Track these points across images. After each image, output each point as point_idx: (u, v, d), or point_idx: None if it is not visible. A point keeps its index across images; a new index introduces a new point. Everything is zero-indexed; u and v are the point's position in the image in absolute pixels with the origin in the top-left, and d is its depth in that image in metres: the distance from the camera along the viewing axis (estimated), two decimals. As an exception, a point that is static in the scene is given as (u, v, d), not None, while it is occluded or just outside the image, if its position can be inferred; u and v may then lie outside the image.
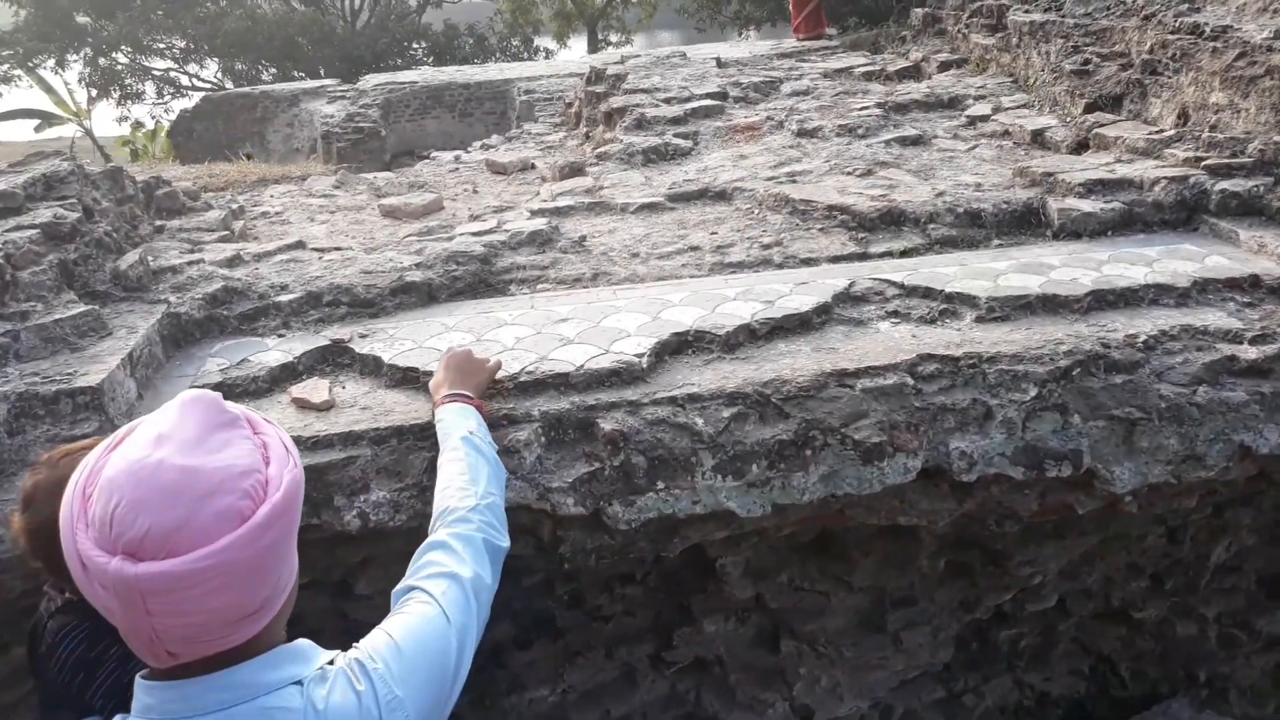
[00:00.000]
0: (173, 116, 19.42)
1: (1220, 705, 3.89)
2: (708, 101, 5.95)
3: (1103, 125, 4.53)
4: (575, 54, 27.78)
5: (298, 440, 2.57)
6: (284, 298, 3.26)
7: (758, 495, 2.66)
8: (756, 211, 4.13)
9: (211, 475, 1.19)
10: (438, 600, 1.63)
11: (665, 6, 30.06)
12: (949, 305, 3.16)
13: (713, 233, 3.92)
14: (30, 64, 23.12)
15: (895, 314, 3.14)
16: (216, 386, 2.83)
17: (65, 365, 2.66)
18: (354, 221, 4.54)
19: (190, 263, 3.45)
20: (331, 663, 1.39)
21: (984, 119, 5.21)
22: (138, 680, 1.28)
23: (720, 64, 7.72)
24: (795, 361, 2.87)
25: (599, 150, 5.40)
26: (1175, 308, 3.08)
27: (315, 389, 2.77)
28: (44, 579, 2.07)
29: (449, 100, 14.54)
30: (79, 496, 1.20)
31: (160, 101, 25.19)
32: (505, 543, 1.93)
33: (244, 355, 3.00)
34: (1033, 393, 2.77)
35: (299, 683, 1.31)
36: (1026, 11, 6.02)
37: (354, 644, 1.50)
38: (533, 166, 5.76)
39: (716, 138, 5.39)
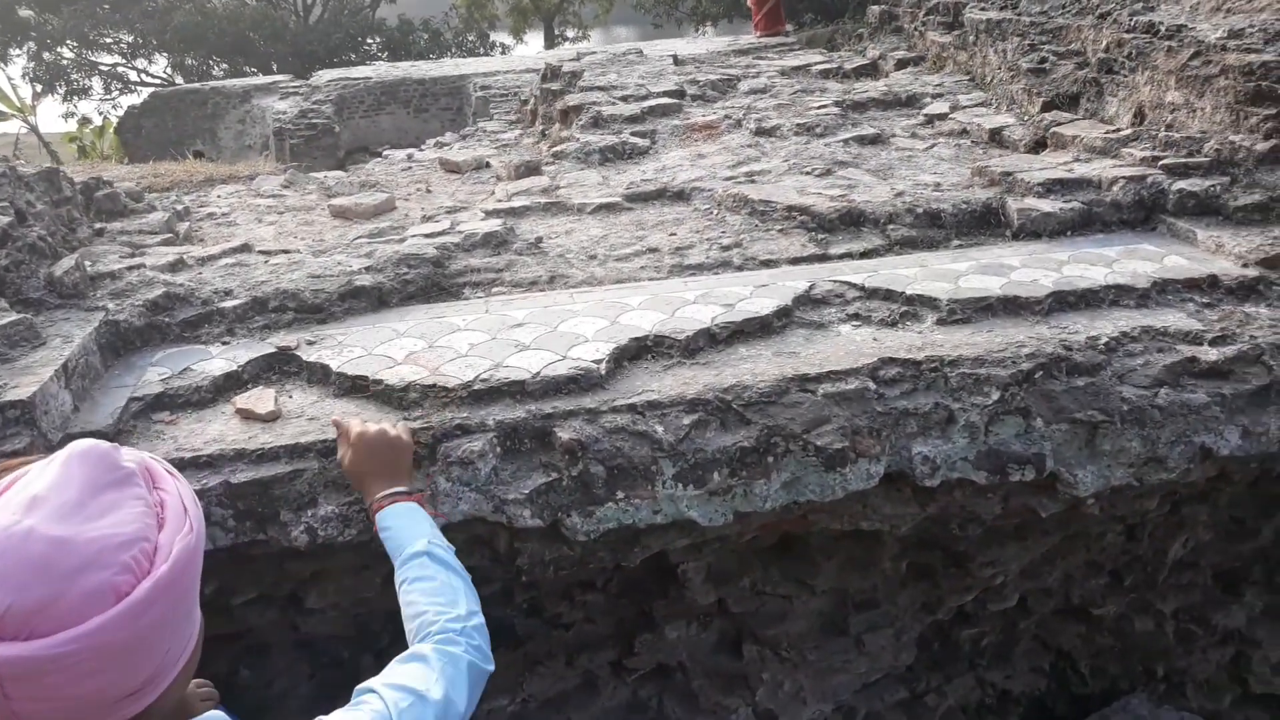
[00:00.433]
0: (121, 113, 18.99)
1: (1178, 699, 3.92)
2: (665, 100, 5.89)
3: (1060, 124, 4.53)
4: (532, 49, 27.59)
5: (242, 454, 2.48)
6: (228, 303, 3.15)
7: (719, 504, 2.61)
8: (715, 212, 4.08)
9: (85, 547, 1.07)
10: (391, 714, 1.52)
11: (622, 2, 29.96)
12: (910, 308, 3.13)
13: (671, 234, 3.86)
14: (-29, 58, 22.53)
15: (856, 317, 3.11)
16: (158, 397, 2.72)
17: (-6, 377, 2.53)
18: (303, 222, 4.43)
19: (130, 267, 3.33)
20: None
21: (942, 117, 5.20)
22: None
23: (677, 61, 7.66)
24: (756, 366, 2.82)
25: (555, 149, 5.32)
26: (1135, 309, 3.08)
27: (260, 399, 2.68)
28: None
29: (404, 96, 14.35)
30: None
31: (108, 97, 24.64)
32: (491, 666, 1.80)
33: (186, 364, 2.89)
34: (995, 396, 2.75)
35: None
36: (983, 9, 6.03)
37: None
38: (487, 165, 5.67)
39: (674, 137, 5.33)
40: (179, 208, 4.59)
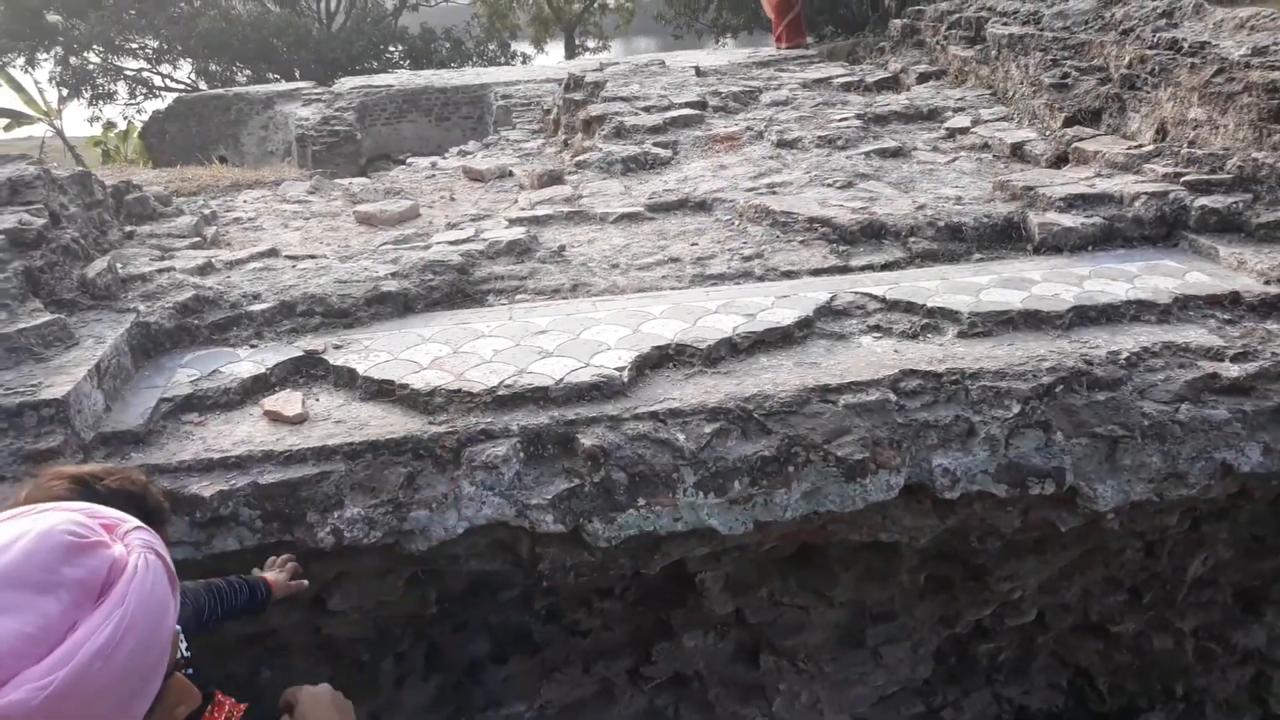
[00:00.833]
0: (145, 117, 19.17)
1: (1197, 719, 3.89)
2: (687, 111, 5.93)
3: (1082, 139, 4.54)
4: (553, 59, 27.71)
5: (270, 455, 2.51)
6: (256, 307, 3.19)
7: (739, 512, 2.63)
8: (737, 223, 4.11)
9: None
10: None
11: (642, 13, 30.08)
12: (931, 320, 3.14)
13: (693, 244, 3.88)
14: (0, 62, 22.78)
15: (877, 328, 3.12)
16: (187, 398, 2.76)
17: (30, 376, 2.58)
18: (329, 228, 4.48)
19: (160, 270, 3.38)
20: None
21: (963, 131, 5.21)
22: None
23: (699, 73, 7.70)
24: (777, 376, 2.84)
25: (578, 158, 5.36)
26: (1157, 324, 3.08)
27: (288, 402, 2.71)
28: None
29: (425, 104, 14.43)
30: None
31: (133, 102, 24.86)
32: None
33: (215, 366, 2.93)
34: (1016, 409, 2.76)
35: None
36: (1005, 24, 6.04)
37: None
38: (511, 174, 5.71)
39: (696, 147, 5.36)
40: (206, 212, 4.65)
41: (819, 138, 5.22)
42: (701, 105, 6.15)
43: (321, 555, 2.58)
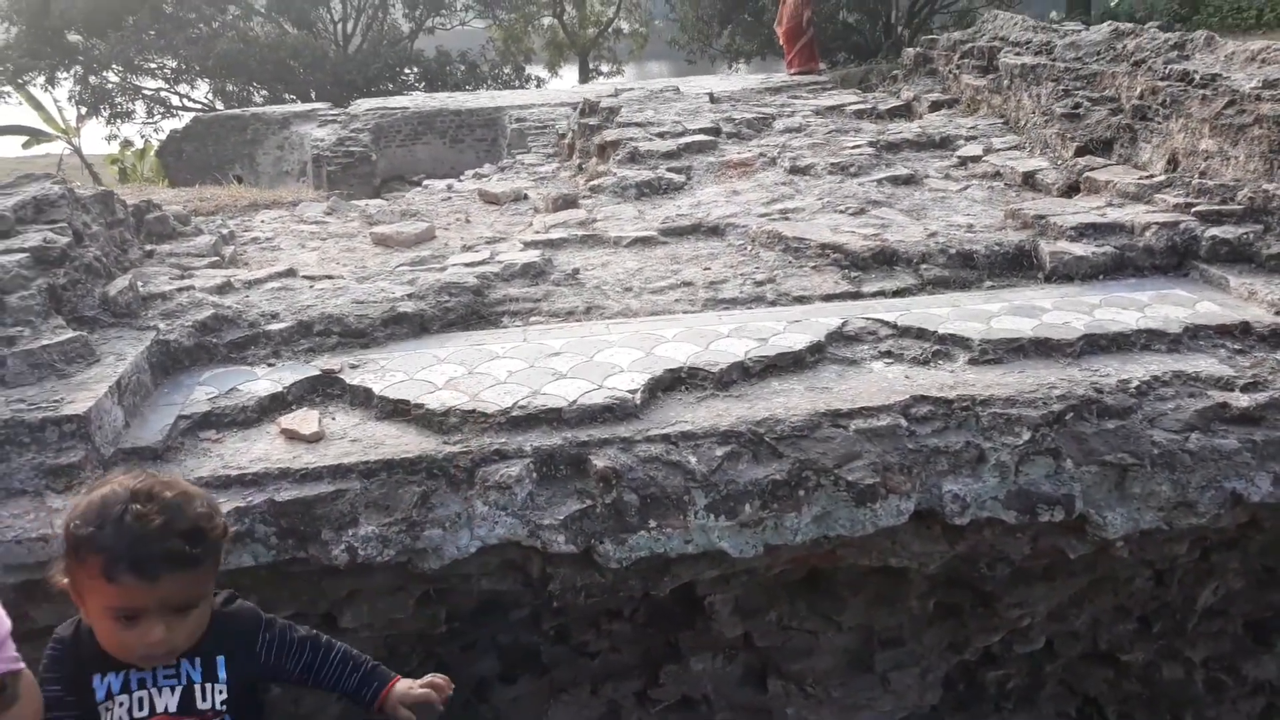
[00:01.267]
0: (162, 136, 19.36)
1: (1207, 750, 3.87)
2: (701, 136, 5.99)
3: (1094, 169, 4.57)
4: (566, 83, 27.93)
5: (286, 473, 2.54)
6: (274, 326, 3.24)
7: (750, 535, 2.64)
8: (749, 248, 4.14)
9: None
10: None
11: (656, 39, 30.32)
12: (942, 346, 3.16)
13: (706, 268, 3.92)
14: (20, 81, 23.05)
15: (888, 354, 3.15)
16: (205, 415, 2.80)
17: (52, 392, 2.62)
18: (345, 249, 4.53)
19: (180, 289, 3.42)
20: None
21: (975, 159, 5.25)
22: None
23: (713, 99, 7.77)
24: (789, 400, 2.86)
25: (592, 183, 5.42)
26: (1167, 353, 3.10)
27: (305, 420, 2.75)
28: None
29: (440, 126, 14.55)
30: None
31: (150, 121, 25.14)
32: None
33: (233, 384, 2.97)
34: (1026, 436, 2.77)
35: None
36: (1018, 54, 6.09)
37: None
38: (525, 197, 5.77)
39: (709, 173, 5.41)
40: (225, 231, 4.71)
41: (832, 164, 5.26)
42: (715, 131, 6.21)
43: (334, 573, 2.60)
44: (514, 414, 2.74)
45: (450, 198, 6.19)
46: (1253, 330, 3.17)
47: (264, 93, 23.95)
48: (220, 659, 1.69)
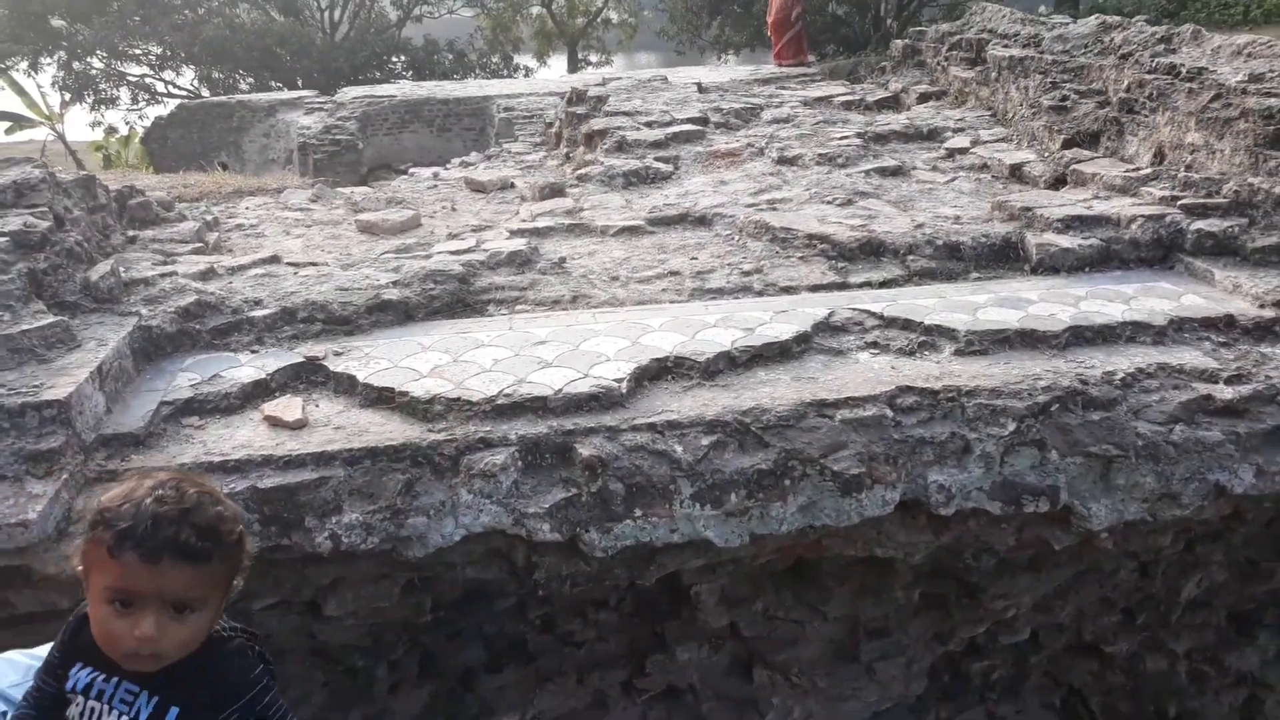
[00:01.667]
0: (147, 123, 19.20)
1: (1188, 741, 3.89)
2: (689, 126, 5.97)
3: (1081, 161, 4.58)
4: (555, 73, 27.83)
5: (269, 460, 2.53)
6: (258, 313, 3.21)
7: (736, 525, 2.64)
8: (737, 238, 4.13)
9: None
10: None
11: (645, 29, 30.24)
12: (928, 337, 3.17)
13: (693, 258, 3.91)
14: (3, 65, 22.82)
15: (874, 345, 3.15)
16: (188, 402, 2.78)
17: (32, 377, 2.59)
18: (330, 236, 4.50)
19: (163, 275, 3.39)
20: None
21: (963, 151, 5.25)
22: None
23: (701, 89, 7.75)
24: (775, 390, 2.86)
25: (579, 171, 5.40)
26: (1152, 345, 3.11)
27: (288, 407, 2.73)
28: None
29: (427, 115, 14.47)
30: None
31: (135, 108, 24.92)
32: None
33: (216, 370, 2.95)
34: (1011, 428, 2.78)
35: None
36: (1006, 46, 6.10)
37: None
38: (512, 185, 5.74)
39: (697, 163, 5.40)
40: (209, 218, 4.67)
41: (819, 155, 5.26)
42: (703, 121, 6.19)
43: (319, 560, 2.59)
44: (499, 402, 2.73)
45: (436, 186, 6.16)
46: (1237, 323, 3.18)
47: (250, 80, 23.76)
48: (174, 711, 1.51)
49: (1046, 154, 4.91)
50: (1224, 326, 3.18)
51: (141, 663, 1.49)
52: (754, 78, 9.40)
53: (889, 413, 2.76)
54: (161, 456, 2.55)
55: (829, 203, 4.46)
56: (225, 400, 2.79)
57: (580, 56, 30.86)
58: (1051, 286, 3.55)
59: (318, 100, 15.40)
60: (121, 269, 3.39)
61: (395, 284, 3.45)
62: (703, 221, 4.36)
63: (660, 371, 2.96)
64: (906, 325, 3.22)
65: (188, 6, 24.19)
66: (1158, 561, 3.43)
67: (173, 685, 1.52)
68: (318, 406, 2.80)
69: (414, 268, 3.58)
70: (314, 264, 3.77)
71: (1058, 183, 4.58)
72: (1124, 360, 3.00)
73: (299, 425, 2.66)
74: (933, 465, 2.74)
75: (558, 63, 31.32)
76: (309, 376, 2.97)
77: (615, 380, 2.83)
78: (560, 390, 2.78)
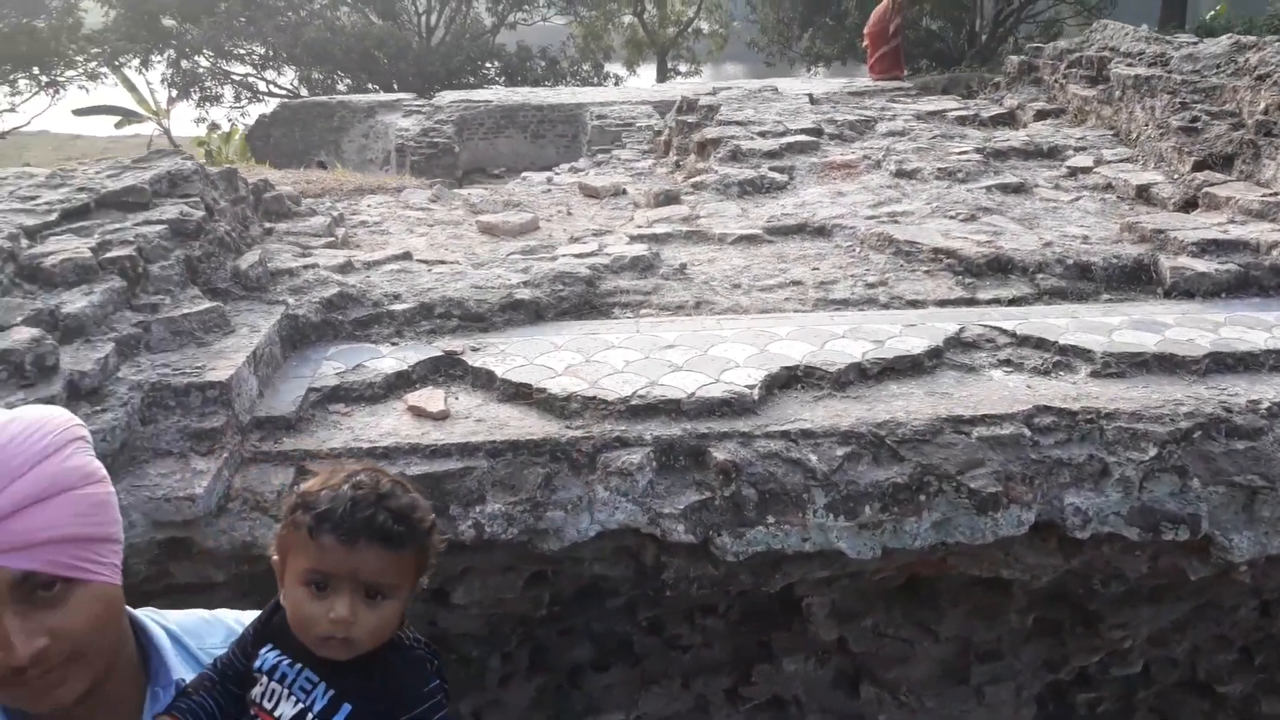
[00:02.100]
0: (248, 120, 19.81)
1: (1302, 788, 3.76)
2: (802, 137, 5.96)
3: (1213, 184, 4.46)
4: (644, 82, 27.96)
5: (416, 448, 2.60)
6: (397, 307, 3.31)
7: (869, 537, 2.64)
8: (858, 250, 4.12)
9: None
10: None
11: (735, 40, 30.19)
12: (1063, 357, 3.12)
13: (814, 268, 3.91)
14: (116, 63, 23.79)
15: (1008, 362, 3.11)
16: (334, 389, 2.87)
17: (193, 359, 2.71)
18: (453, 235, 4.60)
19: (305, 266, 3.51)
20: None
21: (1085, 170, 5.15)
22: None
23: (813, 100, 7.74)
24: (909, 404, 2.84)
25: (693, 179, 5.43)
26: (1298, 376, 3.02)
27: (431, 398, 2.80)
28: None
29: (522, 121, 14.66)
30: None
31: (237, 105, 25.75)
32: None
33: (359, 360, 3.04)
34: (1152, 452, 2.72)
35: None
36: (1130, 65, 5.96)
37: None
38: (624, 192, 5.80)
39: (812, 174, 5.39)
40: (335, 214, 4.81)
41: (938, 169, 5.21)
42: (817, 132, 6.17)
43: (452, 549, 2.64)
44: (634, 403, 2.77)
45: (550, 190, 6.25)
46: (1390, 356, 3.07)
47: (348, 81, 24.37)
48: (347, 708, 1.49)
49: (1175, 176, 4.79)
50: (1375, 359, 3.08)
51: (334, 649, 1.52)
52: (849, 91, 9.36)
53: (1026, 432, 2.73)
54: (312, 440, 2.64)
55: (951, 217, 4.41)
56: (369, 389, 2.88)
57: (670, 66, 30.97)
58: (1187, 311, 3.47)
59: (415, 103, 15.71)
60: (267, 259, 3.52)
61: (526, 284, 3.51)
62: (822, 232, 4.36)
63: (790, 380, 2.97)
64: (1040, 344, 3.18)
65: (291, 9, 24.93)
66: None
67: (350, 682, 1.55)
68: (457, 399, 2.87)
69: (543, 269, 3.65)
70: (444, 262, 3.86)
71: (1188, 205, 4.47)
72: (1269, 389, 2.92)
73: (442, 416, 2.73)
74: (1069, 487, 2.70)
75: (647, 72, 31.48)
76: (448, 370, 3.04)
77: (747, 386, 2.84)
78: (693, 394, 2.81)
